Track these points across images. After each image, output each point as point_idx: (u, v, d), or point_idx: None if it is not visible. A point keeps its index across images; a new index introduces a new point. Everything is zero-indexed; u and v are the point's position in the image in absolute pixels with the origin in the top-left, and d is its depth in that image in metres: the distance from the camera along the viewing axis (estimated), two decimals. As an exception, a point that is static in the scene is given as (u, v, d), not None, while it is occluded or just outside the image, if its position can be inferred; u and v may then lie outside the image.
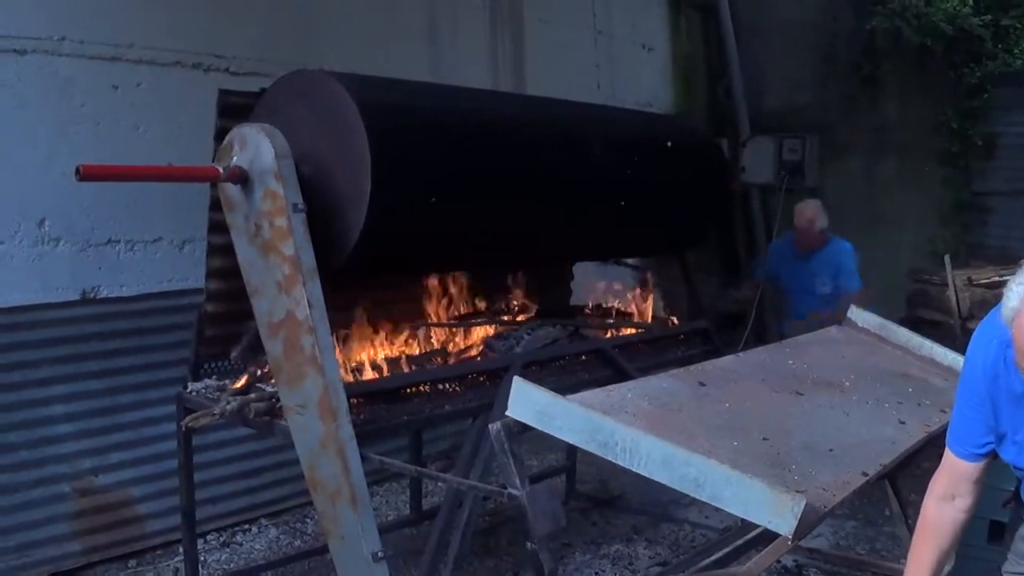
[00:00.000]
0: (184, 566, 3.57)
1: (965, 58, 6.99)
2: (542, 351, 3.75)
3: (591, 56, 6.69)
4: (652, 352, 4.18)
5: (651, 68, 7.40)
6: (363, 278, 3.45)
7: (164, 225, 4.25)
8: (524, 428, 2.33)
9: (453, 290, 3.98)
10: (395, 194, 2.97)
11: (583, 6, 6.64)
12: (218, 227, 3.10)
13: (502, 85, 5.87)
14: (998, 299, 2.11)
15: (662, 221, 4.38)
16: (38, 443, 3.92)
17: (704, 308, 4.87)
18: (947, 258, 5.41)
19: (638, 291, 4.61)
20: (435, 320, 3.85)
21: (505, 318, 4.12)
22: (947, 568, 2.31)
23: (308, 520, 4.66)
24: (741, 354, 3.26)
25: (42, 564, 3.92)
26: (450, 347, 3.80)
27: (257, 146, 2.78)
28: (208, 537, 4.40)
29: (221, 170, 2.80)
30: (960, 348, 3.32)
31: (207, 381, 3.35)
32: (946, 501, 2.22)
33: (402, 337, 3.68)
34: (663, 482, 2.09)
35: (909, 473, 3.45)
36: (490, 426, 2.39)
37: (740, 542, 3.76)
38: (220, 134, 2.99)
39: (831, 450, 2.40)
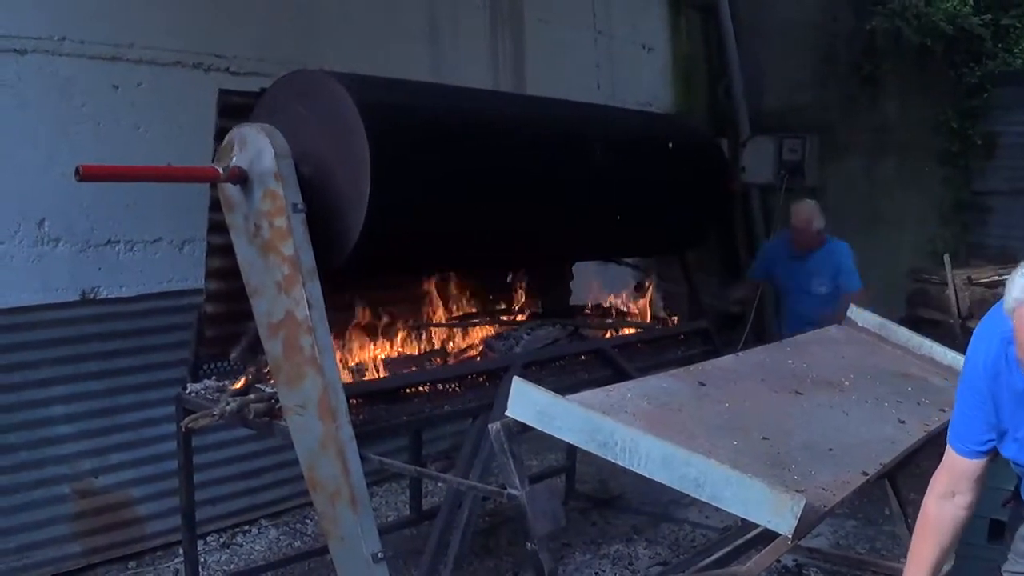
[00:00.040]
0: (184, 567, 3.57)
1: (965, 58, 6.99)
2: (542, 351, 3.75)
3: (591, 56, 6.70)
4: (652, 352, 4.18)
5: (651, 68, 7.41)
6: (363, 278, 3.45)
7: (164, 225, 4.25)
8: (524, 428, 2.33)
9: (453, 290, 3.98)
10: (395, 194, 2.97)
11: (583, 6, 6.64)
12: (218, 227, 3.10)
13: (502, 85, 5.88)
14: (998, 298, 2.11)
15: (662, 221, 4.38)
16: (38, 444, 3.92)
17: (704, 308, 4.86)
18: (947, 257, 5.41)
19: (635, 291, 4.61)
20: (435, 320, 3.85)
21: (505, 318, 4.12)
22: (947, 567, 2.30)
23: (308, 521, 4.66)
24: (741, 354, 3.26)
25: (42, 565, 3.92)
26: (450, 347, 3.80)
27: (257, 146, 2.78)
28: (208, 538, 4.40)
29: (221, 170, 2.80)
30: (960, 347, 3.32)
31: (207, 382, 3.35)
32: (947, 499, 2.22)
33: (402, 337, 3.68)
34: (663, 482, 2.09)
35: (909, 472, 3.45)
36: (490, 426, 2.39)
37: (740, 542, 3.76)
38: (220, 134, 2.99)
39: (831, 449, 2.40)
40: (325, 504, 2.85)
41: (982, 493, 2.23)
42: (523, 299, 4.27)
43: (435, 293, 3.90)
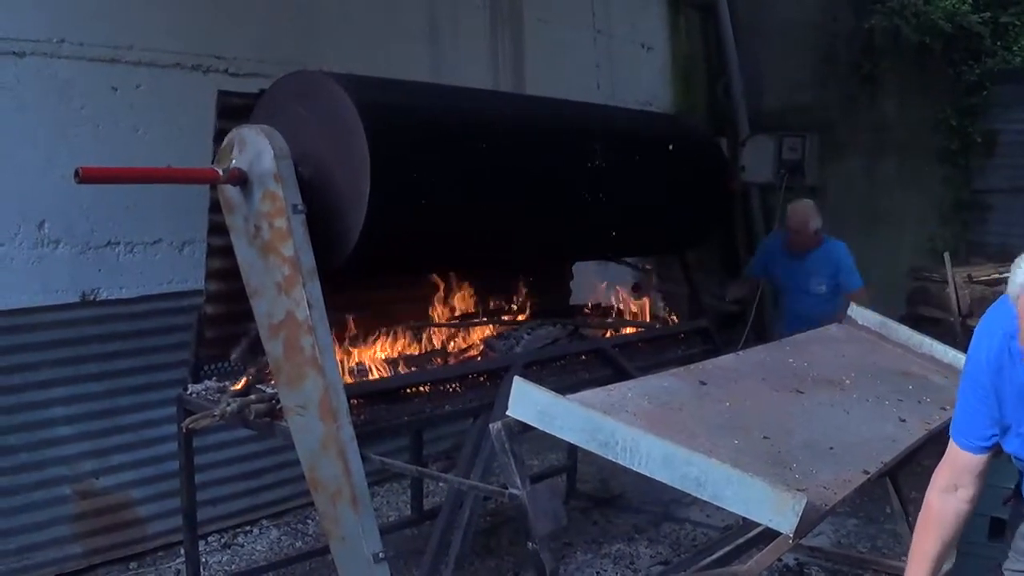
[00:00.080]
0: (185, 568, 3.57)
1: (964, 56, 6.98)
2: (542, 351, 3.75)
3: (591, 56, 6.70)
4: (652, 351, 4.18)
5: (651, 67, 7.41)
6: (363, 279, 3.45)
7: (164, 227, 4.25)
8: (525, 428, 2.33)
9: (453, 290, 3.98)
10: (394, 194, 2.97)
11: (583, 6, 6.64)
12: (218, 229, 3.10)
13: (502, 85, 5.88)
14: (999, 296, 2.11)
15: (662, 221, 4.38)
16: (39, 446, 3.92)
17: (704, 307, 4.86)
18: (947, 256, 5.40)
19: (633, 291, 4.61)
20: (435, 320, 3.85)
21: (505, 318, 4.12)
22: (948, 566, 2.30)
23: (309, 521, 4.66)
24: (741, 353, 3.26)
25: (43, 567, 3.92)
26: (450, 347, 3.80)
27: (256, 147, 2.78)
28: (209, 539, 4.40)
29: (220, 172, 2.80)
30: (960, 346, 3.33)
31: (207, 383, 3.35)
32: (949, 492, 2.21)
33: (402, 337, 3.68)
34: (664, 481, 2.09)
35: (910, 471, 3.45)
36: (491, 426, 2.39)
37: (741, 541, 3.77)
38: (219, 135, 2.99)
39: (832, 448, 2.40)
40: (326, 504, 2.85)
41: (984, 487, 2.23)
42: (523, 299, 4.26)
43: (435, 293, 3.90)
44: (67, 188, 3.34)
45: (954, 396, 2.31)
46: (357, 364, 3.40)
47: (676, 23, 7.69)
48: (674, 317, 4.64)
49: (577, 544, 4.49)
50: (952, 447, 2.23)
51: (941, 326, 5.24)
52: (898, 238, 7.23)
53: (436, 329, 3.83)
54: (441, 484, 4.42)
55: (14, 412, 3.85)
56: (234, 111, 3.17)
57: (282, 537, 4.56)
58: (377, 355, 3.53)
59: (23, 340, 3.87)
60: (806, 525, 1.94)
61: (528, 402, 2.27)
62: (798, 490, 1.98)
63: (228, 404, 2.97)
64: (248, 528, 4.60)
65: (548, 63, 6.17)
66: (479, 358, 3.70)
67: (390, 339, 3.63)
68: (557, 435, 2.25)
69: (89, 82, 4.01)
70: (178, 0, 4.27)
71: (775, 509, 1.94)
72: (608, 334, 4.21)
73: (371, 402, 3.06)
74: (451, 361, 3.66)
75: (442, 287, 3.91)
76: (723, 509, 2.07)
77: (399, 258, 3.29)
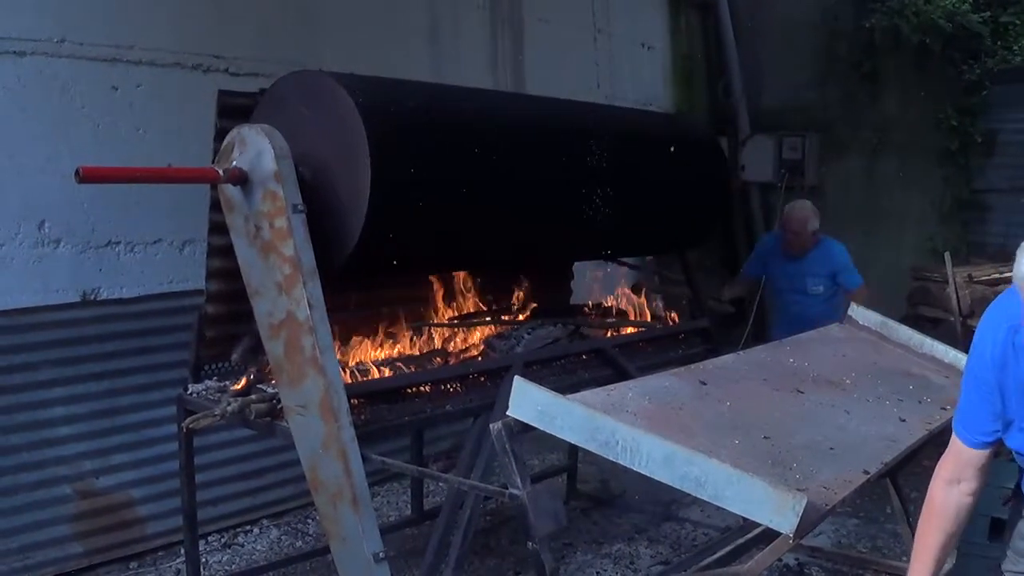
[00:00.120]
0: (186, 567, 3.57)
1: (964, 55, 6.98)
2: (543, 351, 3.75)
3: (591, 55, 6.70)
4: (653, 351, 4.18)
5: (651, 67, 7.41)
6: (363, 278, 3.45)
7: (164, 226, 4.25)
8: (525, 428, 2.33)
9: (454, 290, 3.98)
10: (395, 194, 2.97)
11: (583, 5, 6.64)
12: (218, 228, 3.10)
13: (502, 84, 5.88)
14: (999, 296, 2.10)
15: (662, 220, 4.38)
16: (39, 445, 3.93)
17: (705, 307, 4.86)
18: (947, 255, 5.39)
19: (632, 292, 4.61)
20: (436, 320, 3.85)
21: (506, 317, 4.12)
22: (948, 566, 2.30)
23: (310, 521, 4.66)
24: (742, 353, 3.26)
25: (44, 566, 3.92)
26: (451, 347, 3.80)
27: (257, 147, 2.78)
28: (210, 538, 4.40)
29: (221, 172, 2.80)
30: (961, 346, 3.33)
31: (208, 382, 3.34)
32: (952, 484, 2.20)
33: (403, 337, 3.68)
34: (664, 481, 2.09)
35: (910, 471, 3.45)
36: (491, 426, 2.39)
37: (742, 541, 3.77)
38: (220, 135, 2.99)
39: (832, 448, 2.40)
40: (327, 504, 2.85)
41: (987, 481, 2.22)
42: (524, 298, 4.26)
43: (436, 293, 3.90)
44: (67, 188, 3.35)
45: (955, 396, 2.31)
46: (357, 364, 3.40)
47: (676, 22, 7.69)
48: (674, 317, 4.64)
49: (577, 544, 4.49)
50: (955, 441, 2.22)
51: (942, 326, 5.23)
52: (898, 238, 7.24)
53: (436, 329, 3.83)
54: (441, 484, 4.43)
55: (14, 412, 3.85)
56: (235, 111, 3.17)
57: (282, 537, 4.56)
58: (377, 355, 3.53)
59: (23, 340, 3.87)
60: (806, 525, 1.94)
61: (528, 402, 2.27)
62: (798, 490, 1.98)
63: (229, 404, 2.97)
64: (248, 528, 4.60)
65: (548, 62, 6.17)
66: (479, 358, 3.70)
67: (390, 339, 3.63)
68: (557, 435, 2.25)
69: (89, 82, 4.01)
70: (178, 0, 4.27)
71: (775, 509, 1.93)
72: (609, 334, 4.20)
73: (372, 402, 3.06)
74: (451, 361, 3.66)
75: (442, 287, 3.91)
76: (723, 509, 2.06)
77: (399, 258, 3.28)
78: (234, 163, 2.81)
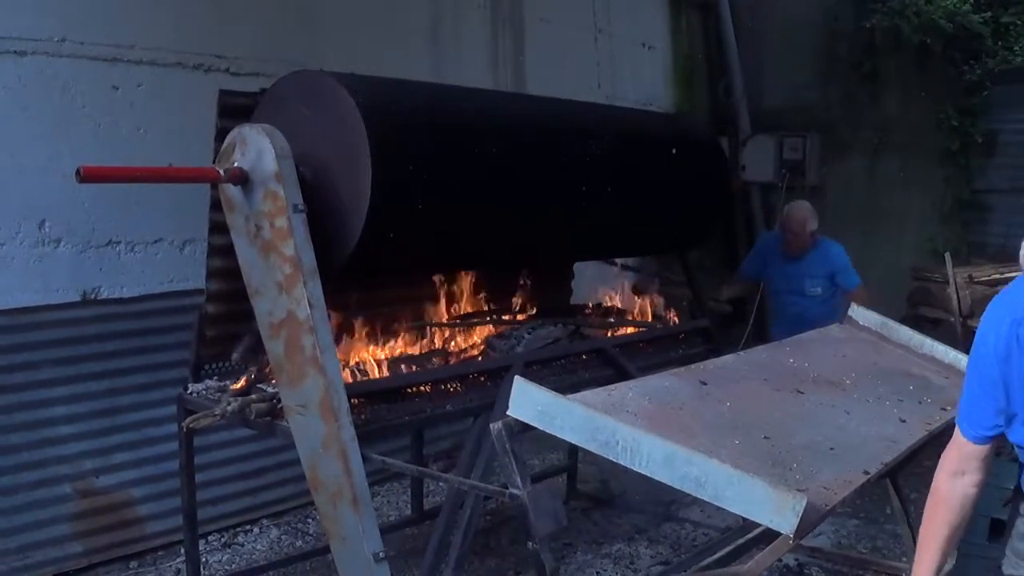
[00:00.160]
0: (186, 567, 3.58)
1: (965, 55, 6.97)
2: (543, 350, 3.75)
3: (592, 55, 6.70)
4: (653, 351, 4.18)
5: (651, 67, 7.41)
6: (364, 278, 3.45)
7: (165, 226, 4.25)
8: (525, 427, 2.33)
9: (454, 290, 3.98)
10: (396, 194, 2.97)
11: (583, 5, 6.64)
12: (219, 228, 3.10)
13: (503, 84, 5.88)
14: (999, 297, 2.10)
15: (664, 220, 4.38)
16: (40, 444, 3.93)
17: (705, 307, 4.86)
18: (948, 256, 5.39)
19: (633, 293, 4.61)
20: (436, 320, 3.85)
21: (506, 317, 4.12)
22: (948, 566, 2.30)
23: (310, 520, 4.66)
24: (742, 353, 3.26)
25: (44, 565, 3.92)
26: (451, 346, 3.80)
27: (258, 147, 2.78)
28: (210, 538, 4.40)
29: (221, 172, 2.80)
30: (961, 346, 3.33)
31: (208, 382, 3.35)
32: (957, 477, 2.19)
33: (403, 337, 3.68)
34: (664, 481, 2.09)
35: (910, 471, 3.45)
36: (491, 425, 2.39)
37: (742, 541, 3.77)
38: (221, 135, 2.99)
39: (832, 449, 2.40)
40: (327, 504, 2.85)
41: (991, 470, 2.21)
42: (524, 298, 4.26)
43: (436, 292, 3.90)
44: (68, 187, 3.35)
45: (955, 397, 2.30)
46: (357, 363, 3.40)
47: (677, 22, 7.69)
48: (675, 317, 4.64)
49: (577, 544, 4.49)
50: (958, 434, 2.22)
51: (942, 327, 5.23)
52: (899, 238, 7.23)
53: (437, 328, 3.83)
54: (441, 484, 4.43)
55: (15, 411, 3.85)
56: (235, 110, 3.17)
57: (282, 536, 4.56)
58: (378, 354, 3.53)
59: (24, 339, 3.87)
60: (806, 525, 1.94)
61: (529, 402, 2.27)
62: (798, 490, 1.98)
63: (229, 403, 2.97)
64: (248, 527, 4.60)
65: (549, 62, 6.17)
66: (480, 358, 3.70)
67: (391, 339, 3.63)
68: (558, 435, 2.25)
69: (90, 81, 4.01)
70: (179, -1, 4.28)
71: (775, 509, 1.93)
72: (609, 334, 4.20)
73: (372, 401, 3.06)
74: (452, 361, 3.66)
75: (443, 287, 3.91)
76: (723, 509, 2.06)
77: (400, 258, 3.29)
78: (235, 163, 2.80)
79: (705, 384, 2.70)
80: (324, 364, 2.74)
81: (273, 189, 2.76)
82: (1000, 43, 6.99)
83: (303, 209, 2.77)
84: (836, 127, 7.48)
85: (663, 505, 4.84)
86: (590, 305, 4.63)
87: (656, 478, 2.10)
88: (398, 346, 3.64)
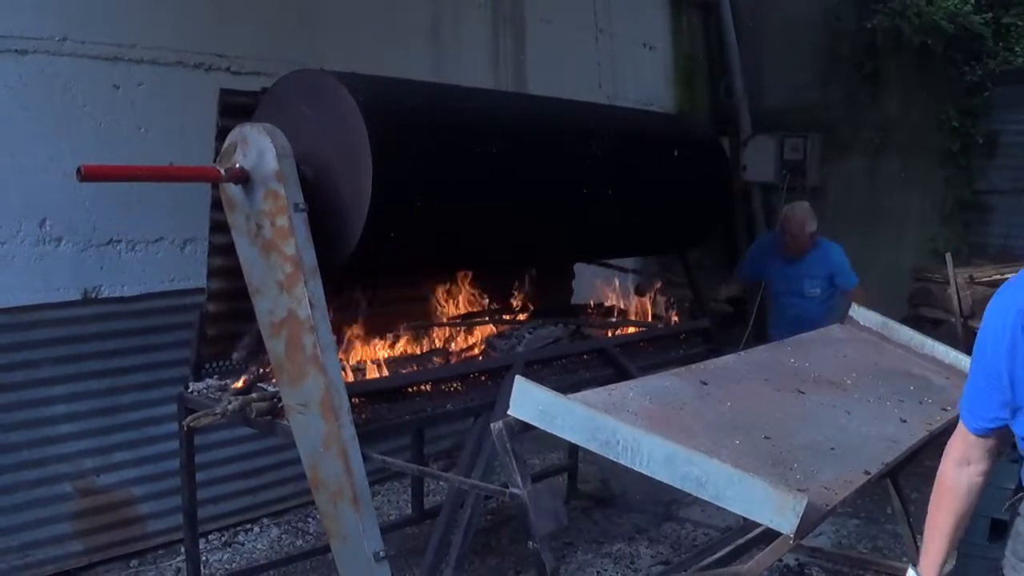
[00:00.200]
0: (186, 566, 3.57)
1: (966, 56, 6.97)
2: (544, 350, 3.75)
3: (592, 55, 6.70)
4: (654, 351, 4.18)
5: (652, 67, 7.41)
6: (365, 278, 3.45)
7: (165, 225, 4.25)
8: (526, 427, 2.33)
9: (455, 289, 3.98)
10: (396, 194, 2.97)
11: (584, 5, 6.64)
12: (219, 227, 3.10)
13: (503, 84, 5.88)
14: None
15: (664, 220, 4.38)
16: (40, 443, 3.93)
17: (706, 307, 4.86)
18: (949, 256, 5.40)
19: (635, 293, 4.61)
20: (437, 319, 3.85)
21: (507, 317, 4.12)
22: (948, 566, 2.29)
23: (310, 520, 4.66)
24: (743, 353, 3.26)
25: (44, 564, 3.92)
26: (452, 346, 3.80)
27: (258, 146, 2.78)
28: (210, 537, 4.40)
29: (222, 171, 2.79)
30: (962, 347, 3.33)
31: (209, 381, 3.35)
32: (962, 466, 2.17)
33: (404, 336, 3.68)
34: (665, 481, 2.09)
35: (911, 471, 3.45)
36: (492, 425, 2.39)
37: (742, 541, 3.77)
38: (222, 134, 2.99)
39: (833, 449, 2.40)
40: (327, 503, 2.85)
41: (997, 461, 2.20)
42: (525, 298, 4.27)
43: (437, 292, 3.90)
44: (69, 186, 3.35)
45: (955, 397, 2.30)
46: (358, 363, 3.41)
47: (678, 22, 7.69)
48: (676, 317, 4.64)
49: (578, 543, 4.49)
50: (961, 425, 2.21)
51: (943, 327, 5.24)
52: (899, 238, 7.23)
53: (437, 328, 3.83)
54: (442, 483, 4.42)
55: (15, 409, 3.86)
56: (236, 109, 3.17)
57: (283, 535, 4.57)
58: (378, 354, 3.53)
59: (25, 338, 3.88)
60: (807, 525, 1.94)
61: (529, 401, 2.27)
62: (799, 490, 1.98)
63: (229, 402, 2.97)
64: (249, 526, 4.60)
65: (550, 62, 6.17)
66: (480, 357, 3.70)
67: (391, 338, 3.63)
68: (558, 434, 2.25)
69: (91, 80, 4.01)
70: (180, -2, 4.28)
71: (776, 509, 1.93)
72: (610, 334, 4.20)
73: (372, 401, 3.06)
74: (452, 360, 3.66)
75: (443, 286, 3.91)
76: (724, 509, 2.06)
77: (400, 258, 3.29)
78: (236, 162, 2.80)
79: (706, 384, 2.70)
80: (325, 363, 2.74)
81: (274, 188, 2.76)
82: (1001, 44, 6.99)
83: (304, 208, 2.77)
84: (837, 127, 7.48)
85: (663, 505, 4.84)
86: (591, 304, 4.63)
87: (657, 478, 2.10)
88: (399, 345, 3.64)
